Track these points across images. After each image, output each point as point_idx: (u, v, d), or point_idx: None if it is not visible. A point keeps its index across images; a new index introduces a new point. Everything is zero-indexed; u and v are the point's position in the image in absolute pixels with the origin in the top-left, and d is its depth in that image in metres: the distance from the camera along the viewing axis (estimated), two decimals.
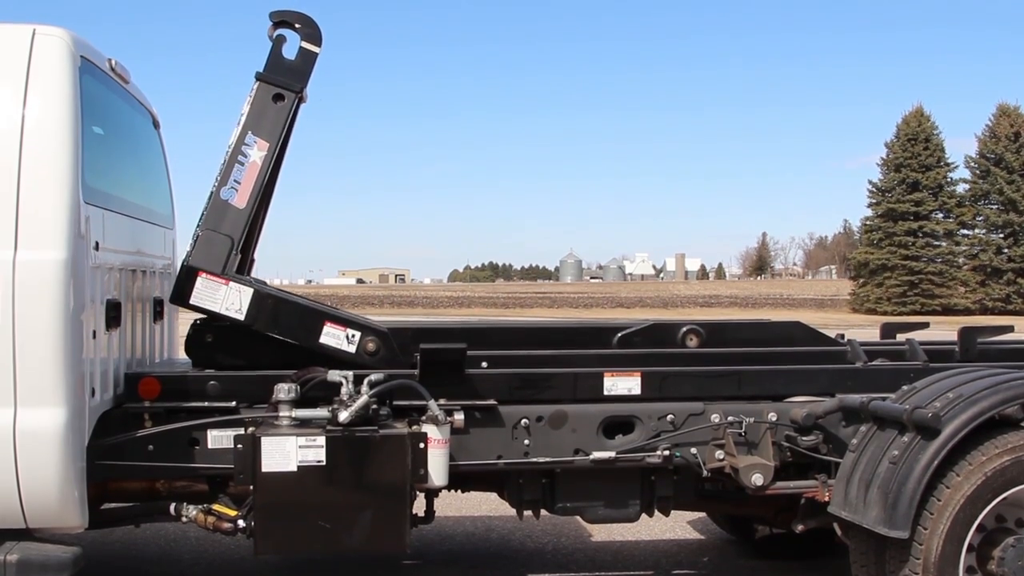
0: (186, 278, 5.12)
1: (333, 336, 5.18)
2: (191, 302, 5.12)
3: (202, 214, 5.19)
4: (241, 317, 5.13)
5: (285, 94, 5.29)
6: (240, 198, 5.19)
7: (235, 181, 5.19)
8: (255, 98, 5.28)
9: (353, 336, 5.19)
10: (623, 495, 5.33)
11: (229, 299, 5.12)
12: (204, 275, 5.11)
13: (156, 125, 6.19)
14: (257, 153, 5.23)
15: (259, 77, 5.29)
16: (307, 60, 5.36)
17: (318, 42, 5.36)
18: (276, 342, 5.34)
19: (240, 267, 5.31)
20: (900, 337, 6.44)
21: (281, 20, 5.34)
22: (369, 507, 4.63)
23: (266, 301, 5.16)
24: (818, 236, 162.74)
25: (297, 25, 5.34)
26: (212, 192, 5.20)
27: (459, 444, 4.93)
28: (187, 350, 5.34)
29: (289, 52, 5.34)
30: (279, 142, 5.33)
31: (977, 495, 4.60)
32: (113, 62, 5.15)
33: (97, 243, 4.58)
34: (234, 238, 5.18)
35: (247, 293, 5.14)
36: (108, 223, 4.77)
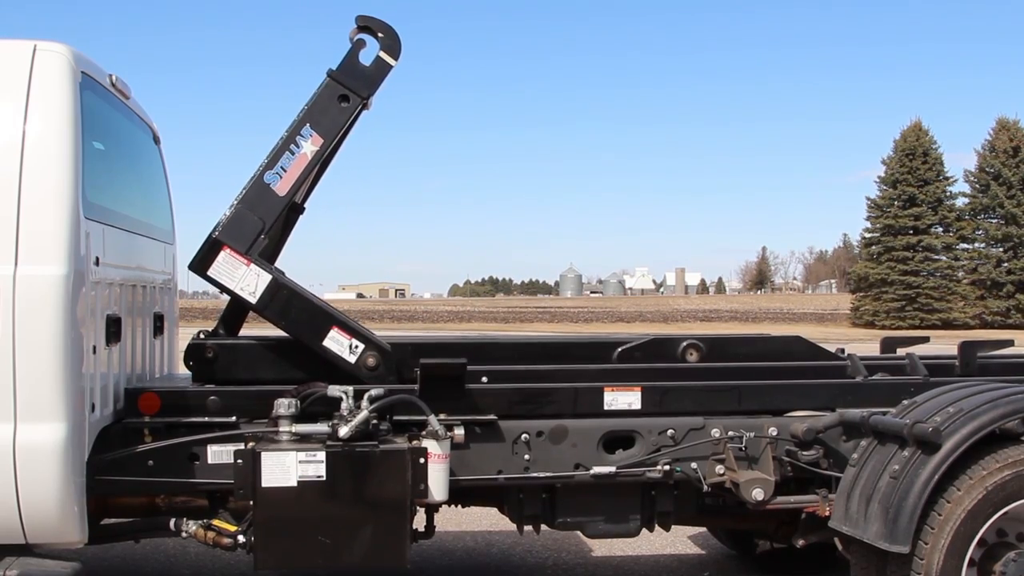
0: (209, 249, 5.14)
1: (337, 342, 5.19)
2: (208, 274, 5.14)
3: (241, 192, 5.23)
4: (253, 301, 5.15)
5: (351, 97, 5.35)
6: (282, 185, 5.23)
7: (281, 168, 5.23)
8: (321, 93, 5.34)
9: (356, 347, 5.20)
10: (623, 510, 5.33)
11: (246, 280, 5.13)
12: (228, 250, 5.12)
13: (156, 140, 6.20)
14: (310, 146, 5.27)
15: (330, 74, 5.35)
16: (381, 70, 5.42)
17: (396, 55, 5.43)
18: (276, 357, 5.36)
19: (269, 257, 5.36)
20: (900, 351, 6.45)
21: (365, 25, 5.42)
22: (369, 522, 4.63)
23: (281, 291, 5.18)
24: (818, 250, 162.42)
25: (380, 34, 5.41)
26: (256, 172, 5.24)
27: (459, 459, 4.93)
28: (186, 362, 5.34)
29: (365, 58, 5.41)
30: (334, 142, 5.40)
31: (978, 509, 4.60)
32: (114, 77, 5.17)
33: (97, 258, 4.59)
34: (266, 222, 5.21)
35: (265, 279, 5.15)
36: (108, 238, 4.78)
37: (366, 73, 5.40)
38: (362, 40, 5.41)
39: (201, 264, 5.14)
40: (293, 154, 5.25)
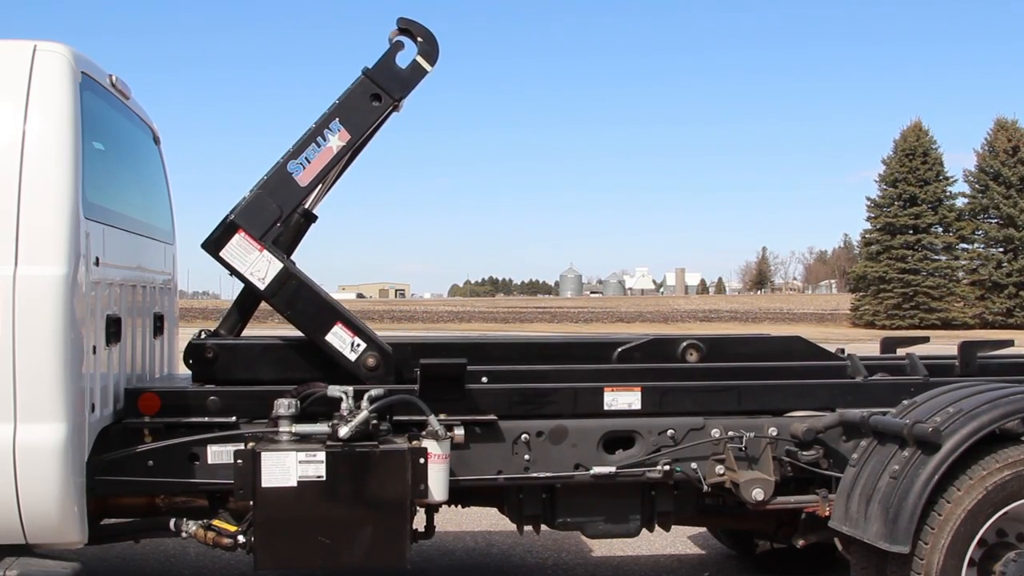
0: (225, 231, 5.17)
1: (339, 338, 5.21)
2: (221, 255, 5.17)
3: (262, 178, 5.27)
4: (262, 287, 5.18)
5: (383, 97, 5.40)
6: (304, 176, 5.28)
7: (305, 159, 5.28)
8: (354, 90, 5.39)
9: (358, 345, 5.21)
10: (623, 510, 5.33)
11: (257, 265, 5.17)
12: (243, 233, 5.16)
13: (156, 141, 6.20)
14: (336, 141, 5.33)
15: (365, 72, 5.40)
16: (416, 74, 5.48)
17: (432, 62, 5.49)
18: (275, 358, 5.36)
19: (286, 248, 5.38)
20: (900, 351, 6.45)
21: (406, 28, 5.47)
22: (369, 522, 4.63)
23: (291, 280, 5.21)
24: (818, 250, 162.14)
25: (419, 39, 5.47)
26: (280, 161, 5.28)
27: (459, 459, 4.93)
28: (186, 362, 5.35)
29: (402, 61, 5.46)
30: (360, 140, 5.44)
31: (978, 509, 4.60)
32: (114, 78, 5.17)
33: (97, 258, 4.59)
34: (284, 211, 5.25)
35: (276, 266, 5.18)
36: (108, 238, 4.78)
37: (401, 75, 5.45)
38: (400, 42, 5.46)
39: (215, 245, 5.17)
40: (319, 146, 5.30)
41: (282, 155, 5.29)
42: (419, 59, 5.46)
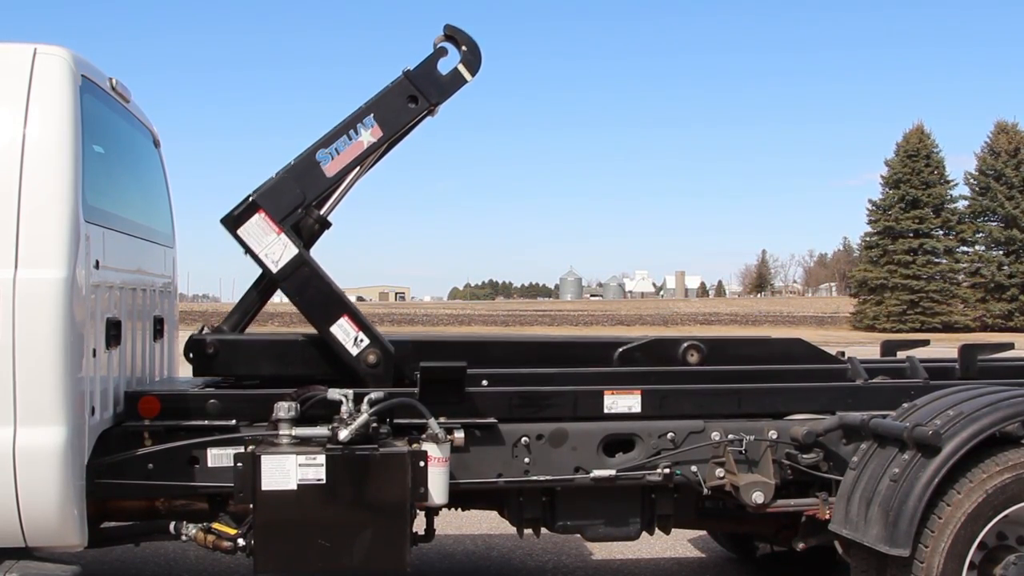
0: (246, 209, 5.21)
1: (344, 331, 5.24)
2: (238, 232, 5.21)
3: (289, 162, 5.30)
4: (274, 270, 5.22)
5: (420, 100, 5.44)
6: (332, 167, 5.32)
7: (335, 150, 5.33)
8: (392, 89, 5.44)
9: (361, 340, 5.23)
10: (623, 513, 5.33)
11: (272, 248, 5.20)
12: (263, 214, 5.19)
13: (156, 144, 6.20)
14: (368, 137, 5.37)
15: (406, 73, 5.45)
16: (455, 81, 5.52)
17: (474, 72, 5.54)
18: (274, 355, 5.37)
19: (307, 239, 5.39)
20: (901, 355, 6.46)
21: (451, 35, 5.51)
22: (369, 525, 4.63)
23: (303, 268, 5.24)
24: (818, 253, 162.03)
25: (463, 47, 5.52)
26: (309, 148, 5.32)
27: (459, 462, 4.93)
28: (185, 355, 5.36)
29: (444, 67, 5.50)
30: (391, 139, 5.47)
31: (978, 512, 4.60)
32: (114, 81, 5.17)
33: (97, 261, 4.59)
34: (307, 197, 5.29)
35: (291, 251, 5.21)
36: (108, 241, 4.78)
37: (440, 81, 5.50)
38: (444, 49, 5.52)
39: (234, 222, 5.21)
40: (350, 139, 5.34)
41: (313, 143, 5.33)
42: (461, 67, 5.51)
